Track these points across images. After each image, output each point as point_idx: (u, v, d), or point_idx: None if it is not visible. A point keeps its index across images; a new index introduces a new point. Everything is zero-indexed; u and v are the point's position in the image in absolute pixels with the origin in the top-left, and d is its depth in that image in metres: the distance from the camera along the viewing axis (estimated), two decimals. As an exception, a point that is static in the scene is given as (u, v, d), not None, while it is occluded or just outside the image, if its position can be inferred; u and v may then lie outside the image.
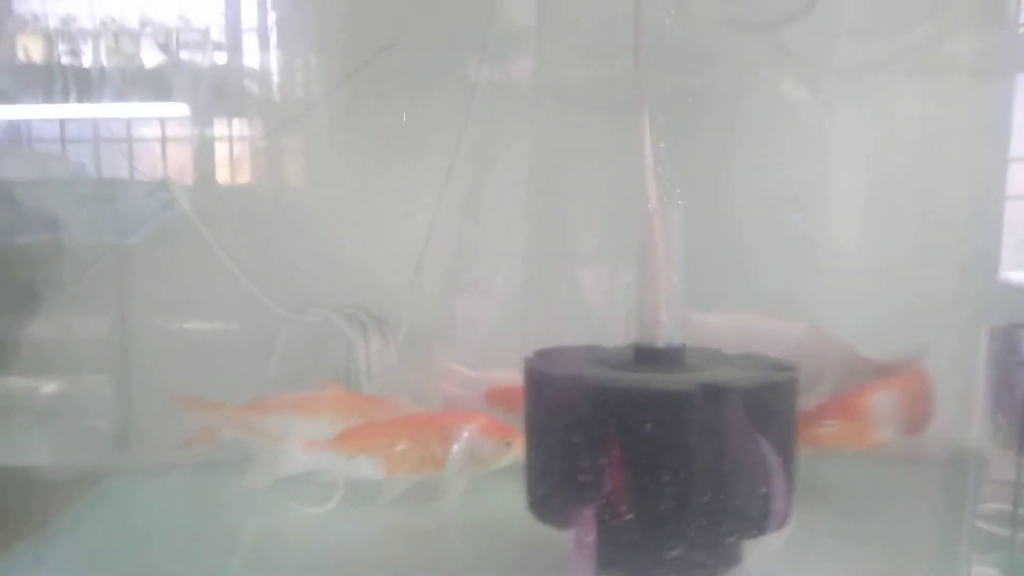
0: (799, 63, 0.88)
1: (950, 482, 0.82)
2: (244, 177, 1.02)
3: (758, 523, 0.57)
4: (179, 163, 1.00)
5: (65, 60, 0.97)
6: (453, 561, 0.69)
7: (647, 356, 0.61)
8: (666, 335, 0.61)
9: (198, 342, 0.94)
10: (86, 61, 0.97)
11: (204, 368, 0.93)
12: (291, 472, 0.70)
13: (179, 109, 0.99)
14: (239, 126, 1.00)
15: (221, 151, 1.00)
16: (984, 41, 0.85)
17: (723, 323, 0.68)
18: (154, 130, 0.99)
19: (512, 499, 0.62)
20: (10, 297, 0.87)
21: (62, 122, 0.98)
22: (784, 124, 0.93)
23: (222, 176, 1.00)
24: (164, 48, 0.98)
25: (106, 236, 0.93)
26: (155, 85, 0.98)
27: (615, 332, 0.67)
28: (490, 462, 0.70)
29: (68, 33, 0.97)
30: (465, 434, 0.72)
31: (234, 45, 1.00)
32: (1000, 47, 0.89)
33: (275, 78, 1.02)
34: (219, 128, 1.00)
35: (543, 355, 0.65)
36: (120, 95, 0.98)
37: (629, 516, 0.55)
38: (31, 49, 0.98)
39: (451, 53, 0.96)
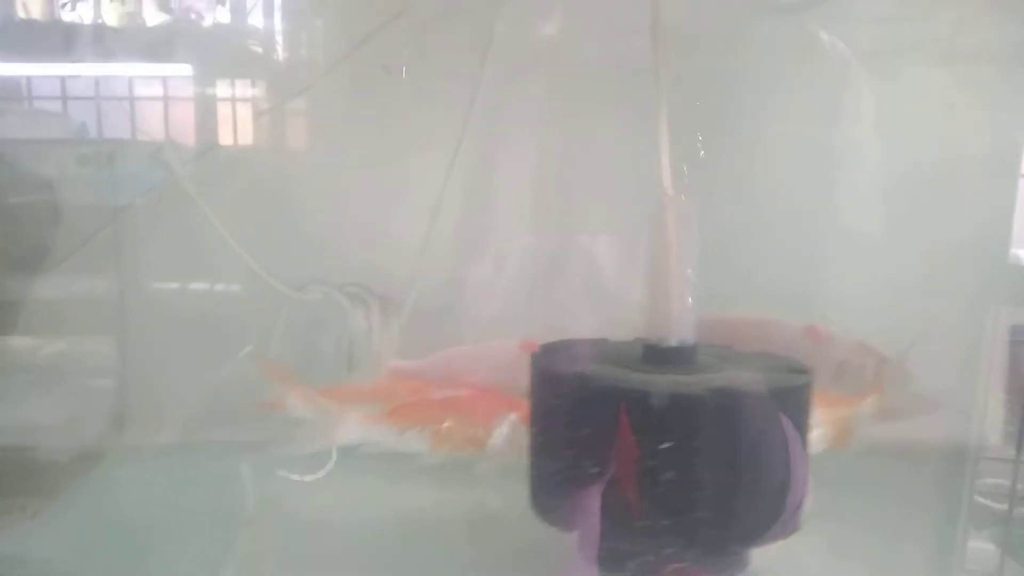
0: (824, 48, 0.85)
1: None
2: (246, 147, 0.99)
3: (767, 529, 0.55)
4: (179, 128, 0.97)
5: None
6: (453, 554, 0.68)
7: (657, 355, 0.59)
8: (678, 332, 0.59)
9: (196, 317, 0.91)
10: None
11: (202, 343, 0.91)
12: (341, 442, 0.71)
13: (179, 70, 0.96)
14: (240, 94, 0.98)
15: (221, 119, 0.97)
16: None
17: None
18: (154, 90, 0.96)
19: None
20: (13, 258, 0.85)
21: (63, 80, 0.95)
22: (807, 109, 0.90)
23: (222, 144, 0.98)
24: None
25: (102, 198, 0.91)
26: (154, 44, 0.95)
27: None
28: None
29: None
30: (509, 419, 0.71)
31: (239, 7, 0.96)
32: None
33: (280, 44, 0.99)
34: (219, 96, 0.97)
35: (550, 350, 0.63)
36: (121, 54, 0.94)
37: (637, 520, 0.54)
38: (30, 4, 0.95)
39: (460, 26, 0.92)
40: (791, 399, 0.55)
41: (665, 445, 0.52)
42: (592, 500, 0.55)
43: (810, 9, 0.70)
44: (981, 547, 0.87)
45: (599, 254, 0.93)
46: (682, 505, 0.53)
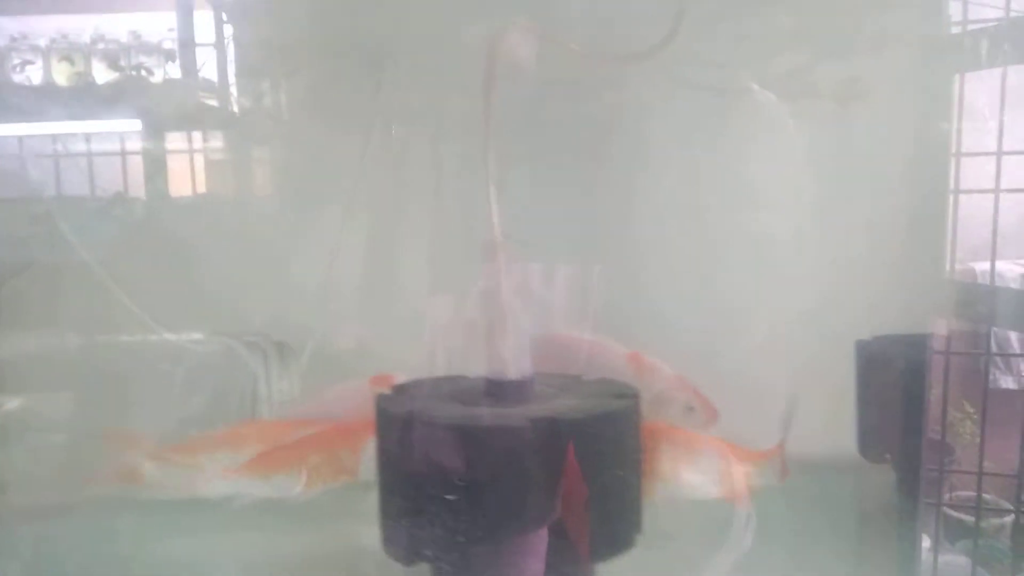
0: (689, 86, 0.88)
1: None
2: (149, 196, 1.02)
3: (599, 550, 0.58)
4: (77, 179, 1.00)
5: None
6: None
7: (495, 389, 0.62)
8: (514, 367, 0.62)
9: (91, 371, 0.93)
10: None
11: (103, 400, 0.92)
12: (206, 495, 0.71)
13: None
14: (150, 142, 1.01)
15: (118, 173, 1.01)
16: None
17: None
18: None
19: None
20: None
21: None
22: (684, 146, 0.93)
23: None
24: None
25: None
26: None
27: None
28: None
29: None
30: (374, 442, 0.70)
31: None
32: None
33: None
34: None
35: (399, 389, 0.65)
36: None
37: (474, 552, 0.56)
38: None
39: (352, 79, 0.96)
40: (613, 423, 0.58)
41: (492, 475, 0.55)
42: (434, 533, 0.57)
43: (656, 55, 0.73)
44: (953, 560, 0.90)
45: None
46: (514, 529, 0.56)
